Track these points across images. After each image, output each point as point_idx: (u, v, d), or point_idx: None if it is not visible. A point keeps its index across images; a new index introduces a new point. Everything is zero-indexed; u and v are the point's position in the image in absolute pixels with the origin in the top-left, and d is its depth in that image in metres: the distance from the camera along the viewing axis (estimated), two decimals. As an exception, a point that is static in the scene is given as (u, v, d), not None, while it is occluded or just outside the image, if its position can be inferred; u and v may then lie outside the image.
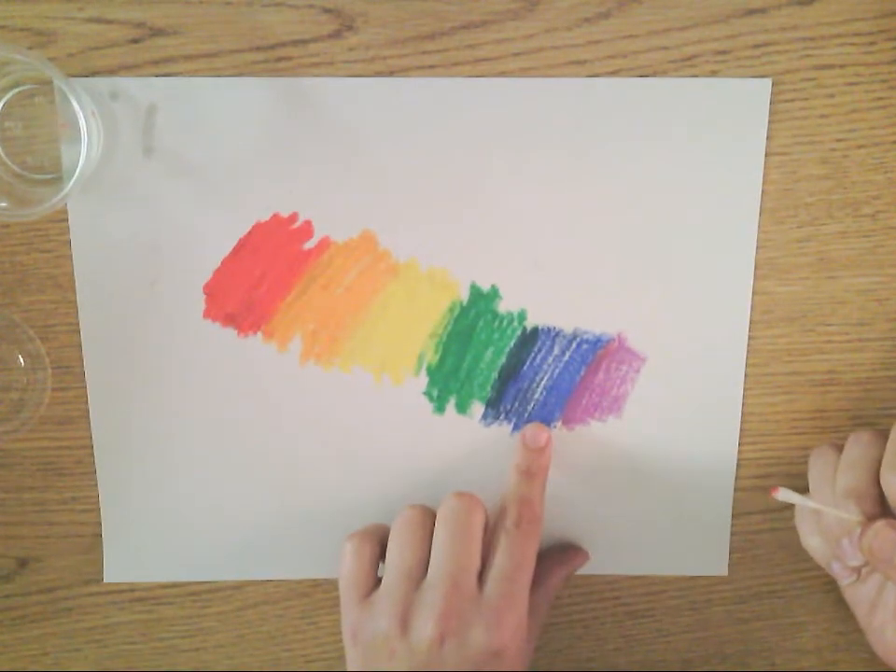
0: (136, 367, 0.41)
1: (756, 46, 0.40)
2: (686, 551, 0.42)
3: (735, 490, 0.43)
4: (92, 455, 0.43)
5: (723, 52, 0.40)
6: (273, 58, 0.40)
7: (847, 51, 0.40)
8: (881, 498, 0.35)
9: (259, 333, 0.40)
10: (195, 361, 0.41)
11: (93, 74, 0.39)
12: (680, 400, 0.41)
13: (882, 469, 0.35)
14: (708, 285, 0.41)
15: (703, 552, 0.42)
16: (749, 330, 0.41)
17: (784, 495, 0.36)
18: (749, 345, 0.41)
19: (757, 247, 0.41)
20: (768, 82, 0.39)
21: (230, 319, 0.40)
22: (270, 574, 0.43)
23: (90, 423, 0.42)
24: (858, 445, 0.36)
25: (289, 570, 0.43)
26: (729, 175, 0.40)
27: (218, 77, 0.39)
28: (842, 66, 0.40)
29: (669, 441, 0.41)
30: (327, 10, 0.40)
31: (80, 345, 0.41)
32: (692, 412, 0.41)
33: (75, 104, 0.36)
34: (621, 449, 0.41)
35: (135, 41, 0.40)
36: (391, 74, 0.40)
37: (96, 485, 0.43)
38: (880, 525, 0.33)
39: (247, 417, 0.41)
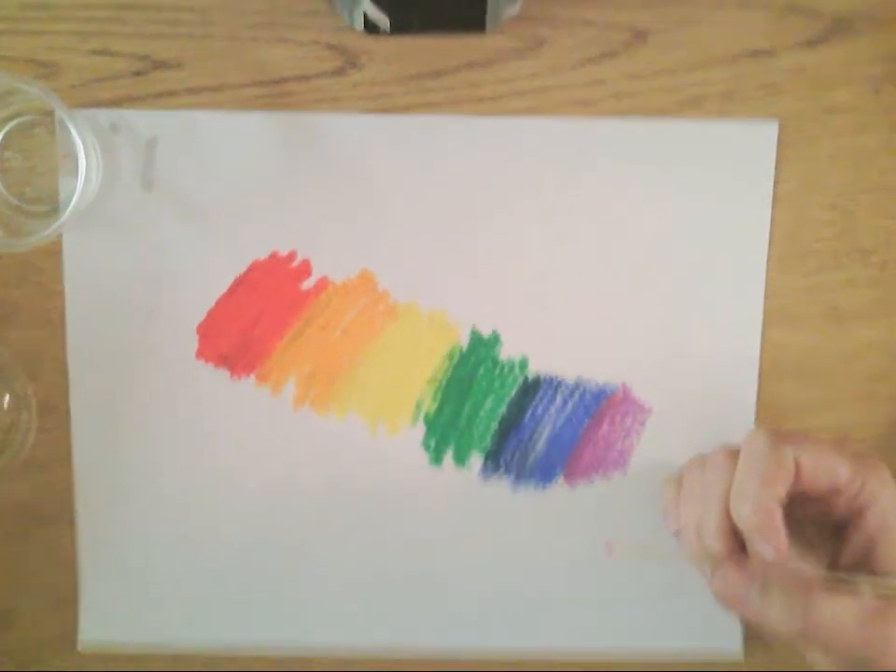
0: (124, 408, 0.39)
1: (762, 87, 0.39)
2: (697, 622, 0.39)
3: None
4: (73, 502, 0.40)
5: (730, 94, 0.39)
6: (277, 93, 0.39)
7: (854, 95, 0.39)
8: (732, 532, 0.31)
9: (253, 376, 0.38)
10: (185, 404, 0.38)
11: (96, 105, 0.39)
12: (688, 456, 0.37)
13: (730, 499, 0.31)
14: (716, 333, 0.38)
15: (714, 623, 0.38)
16: (759, 383, 0.39)
17: (619, 550, 0.32)
18: (760, 399, 0.39)
19: (766, 294, 0.39)
20: (775, 125, 0.37)
21: (223, 360, 0.38)
22: (256, 643, 0.39)
23: (72, 467, 0.40)
24: (699, 471, 0.33)
25: (276, 638, 0.39)
26: (736, 218, 0.38)
27: (221, 110, 0.38)
28: (849, 110, 0.39)
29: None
30: (331, 47, 0.39)
31: (67, 385, 0.39)
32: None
33: (75, 135, 0.35)
34: (627, 509, 0.38)
35: (138, 74, 0.39)
36: (395, 111, 0.39)
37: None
38: (728, 567, 0.30)
39: (238, 465, 0.39)
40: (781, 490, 0.30)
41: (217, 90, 0.39)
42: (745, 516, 0.30)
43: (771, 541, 0.30)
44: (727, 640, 0.39)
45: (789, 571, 0.30)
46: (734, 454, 0.32)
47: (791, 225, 0.39)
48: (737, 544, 0.31)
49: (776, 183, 0.38)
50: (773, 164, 0.37)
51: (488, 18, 0.39)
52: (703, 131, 0.38)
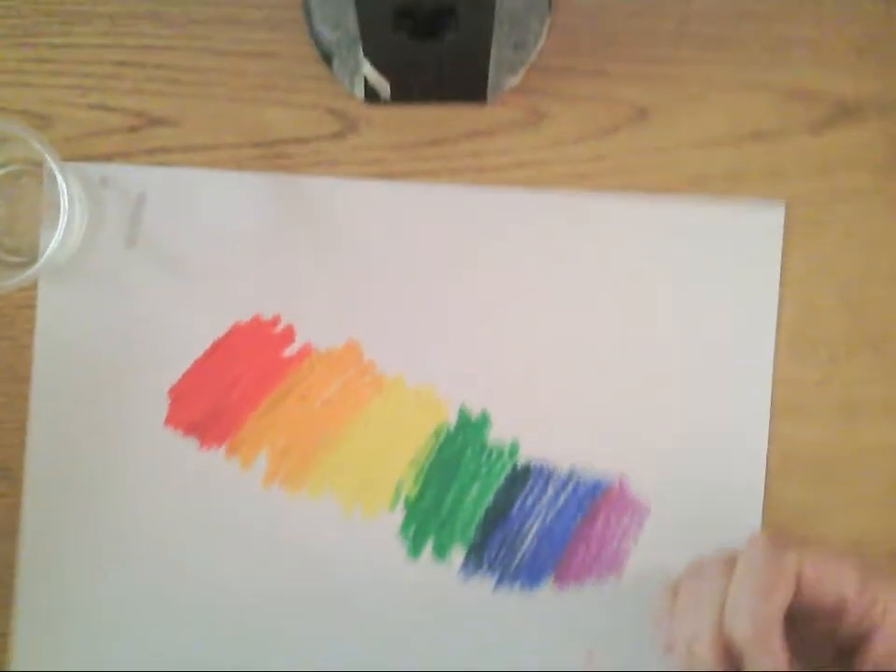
0: (82, 474, 0.36)
1: (768, 169, 0.38)
2: None
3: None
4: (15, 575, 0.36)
5: (734, 174, 0.38)
6: (273, 154, 0.38)
7: (861, 182, 0.37)
8: (727, 645, 0.28)
9: (223, 447, 0.35)
10: (149, 474, 0.36)
11: (87, 159, 0.38)
12: (689, 561, 0.34)
13: (725, 610, 0.28)
14: (721, 425, 0.36)
15: None
16: (768, 482, 0.36)
17: (599, 661, 0.29)
18: (769, 500, 0.36)
19: (773, 385, 0.36)
20: (782, 207, 0.36)
21: (192, 428, 0.35)
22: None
23: (18, 539, 0.37)
24: (696, 578, 0.30)
25: None
26: (742, 303, 0.36)
27: (212, 169, 0.37)
28: (857, 195, 0.37)
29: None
30: (331, 111, 0.39)
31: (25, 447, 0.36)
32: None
33: (61, 186, 0.34)
34: (621, 618, 0.35)
35: (134, 129, 0.38)
36: (393, 177, 0.38)
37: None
38: None
39: (199, 543, 0.36)
40: (781, 602, 0.27)
41: (213, 148, 0.38)
42: (740, 629, 0.27)
43: (768, 658, 0.27)
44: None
45: None
46: (731, 561, 0.29)
47: (800, 312, 0.37)
48: (733, 660, 0.28)
49: (783, 268, 0.37)
50: (780, 248, 0.36)
51: (490, 89, 0.38)
52: (707, 210, 0.36)
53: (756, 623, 0.27)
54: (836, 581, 0.28)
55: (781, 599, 0.27)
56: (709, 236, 0.36)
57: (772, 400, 0.36)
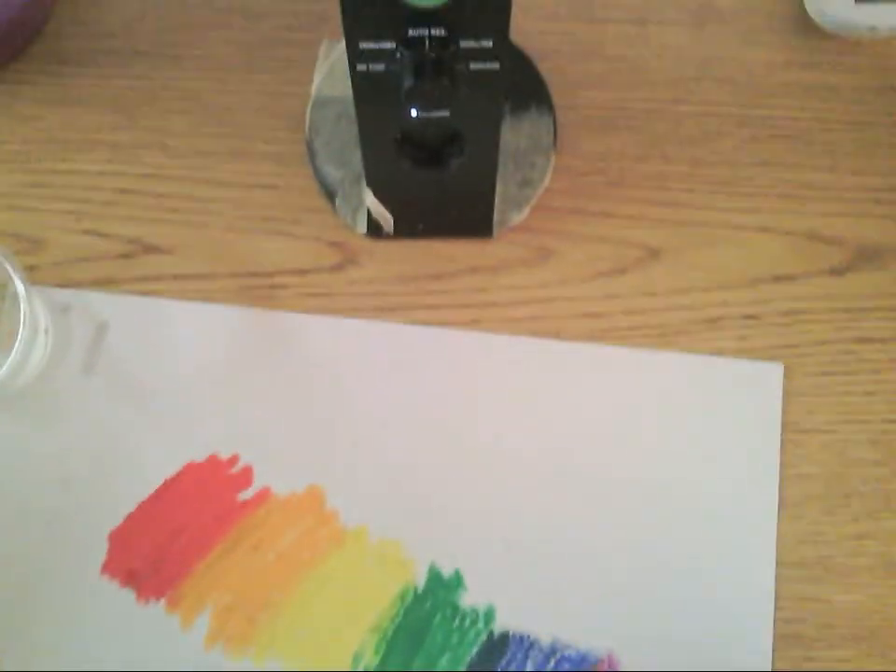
0: (12, 608, 0.37)
1: (787, 313, 0.40)
2: None
3: None
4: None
5: (752, 317, 0.40)
6: (269, 285, 0.42)
7: (887, 326, 0.40)
8: None
9: (163, 601, 0.35)
10: (80, 627, 0.37)
11: (74, 285, 0.42)
12: None
13: None
14: (721, 596, 0.36)
15: None
16: (808, 649, 0.36)
17: None
18: (809, 669, 0.36)
19: (806, 542, 0.37)
20: (780, 368, 0.39)
21: (130, 578, 0.36)
22: None
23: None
24: None
25: None
26: (743, 461, 0.38)
27: (181, 300, 0.41)
28: (883, 341, 0.40)
29: None
30: (332, 244, 0.43)
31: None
32: None
33: (22, 314, 0.38)
34: None
35: (126, 256, 0.42)
36: (392, 311, 0.41)
37: None
38: None
39: None
40: None
41: (206, 277, 0.42)
42: None
43: None
44: None
45: None
46: None
47: (833, 463, 0.38)
48: None
49: (811, 414, 0.39)
50: (780, 408, 0.38)
51: (495, 224, 0.40)
52: (704, 366, 0.39)
53: None
54: None
55: None
56: (708, 396, 0.39)
57: (806, 559, 0.37)
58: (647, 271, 0.41)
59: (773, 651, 0.35)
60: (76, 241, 0.43)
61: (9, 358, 0.38)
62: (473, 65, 0.31)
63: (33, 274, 0.41)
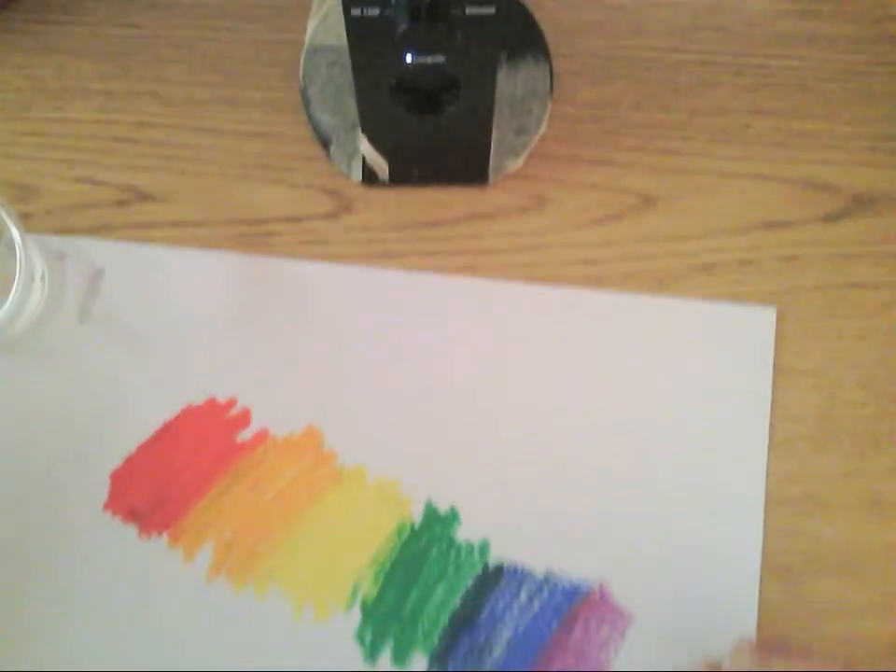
0: (18, 553, 0.42)
1: (781, 259, 0.45)
2: None
3: None
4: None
5: (746, 263, 0.45)
6: (264, 232, 0.46)
7: (879, 272, 0.45)
8: None
9: (165, 536, 0.40)
10: (86, 560, 0.41)
11: (69, 232, 0.46)
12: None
13: None
14: (711, 528, 0.41)
15: None
16: (795, 580, 0.41)
17: None
18: (795, 599, 0.40)
19: (795, 480, 0.42)
20: (773, 311, 0.43)
21: (133, 515, 0.40)
22: None
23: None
24: None
25: None
26: (734, 403, 0.42)
27: (176, 247, 0.45)
28: (875, 287, 0.44)
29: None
30: (326, 191, 0.47)
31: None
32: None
33: (18, 260, 0.42)
34: None
35: (120, 203, 0.47)
36: (387, 257, 0.45)
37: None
38: None
39: (137, 639, 0.40)
40: None
41: (201, 225, 0.46)
42: None
43: None
44: None
45: None
46: (717, 667, 0.34)
47: (823, 405, 0.43)
48: None
49: (805, 359, 0.43)
50: (772, 351, 0.43)
51: (491, 171, 0.43)
52: (698, 310, 0.43)
53: None
54: None
55: None
56: (701, 336, 0.43)
57: (796, 496, 0.41)
58: (642, 218, 0.46)
59: (759, 581, 0.39)
60: (69, 189, 0.47)
61: (6, 305, 0.43)
62: (469, 10, 0.35)
63: (27, 222, 0.46)
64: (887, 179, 0.46)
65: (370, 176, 0.47)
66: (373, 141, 0.45)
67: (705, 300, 0.44)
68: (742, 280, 0.45)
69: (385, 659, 0.40)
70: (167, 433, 0.43)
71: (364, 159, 0.46)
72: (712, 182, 0.47)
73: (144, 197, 0.47)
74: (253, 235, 0.46)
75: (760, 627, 0.39)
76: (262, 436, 0.43)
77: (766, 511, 0.41)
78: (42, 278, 0.45)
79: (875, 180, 0.46)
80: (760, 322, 0.44)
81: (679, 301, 0.44)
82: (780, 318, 0.44)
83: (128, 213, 0.47)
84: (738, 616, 0.39)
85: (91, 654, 0.40)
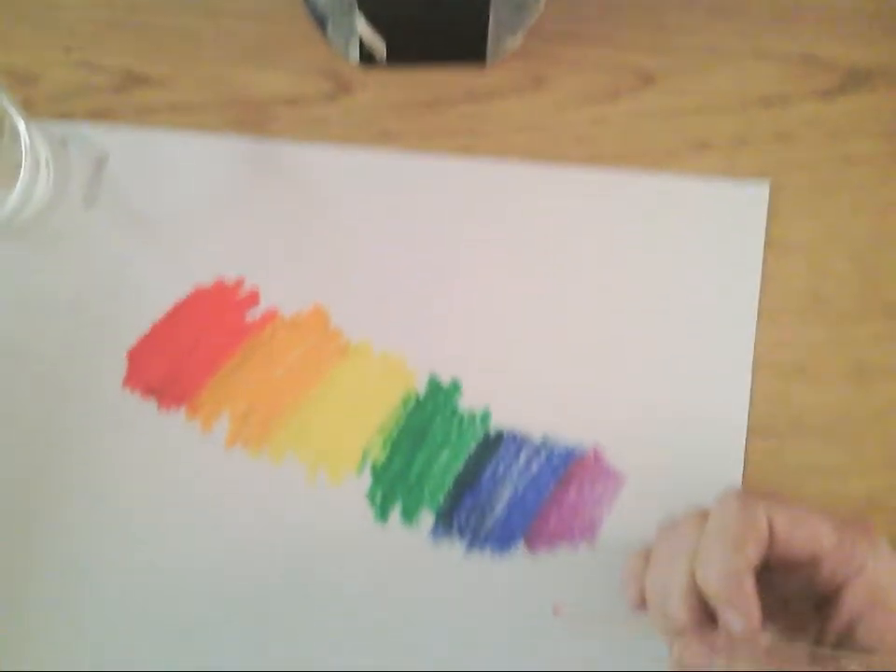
0: (40, 433, 0.47)
1: (776, 135, 0.49)
2: None
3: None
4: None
5: (741, 140, 0.49)
6: (263, 115, 0.50)
7: (874, 147, 0.49)
8: (699, 601, 0.36)
9: (183, 409, 0.45)
10: (106, 436, 0.47)
11: (70, 118, 0.49)
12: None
13: (696, 563, 0.36)
14: (701, 392, 0.46)
15: None
16: (779, 442, 0.46)
17: (570, 614, 0.37)
18: (779, 459, 0.46)
19: (783, 347, 0.47)
20: (766, 186, 0.48)
21: (151, 390, 0.45)
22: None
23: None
24: (668, 539, 0.38)
25: None
26: (724, 274, 0.47)
27: (179, 130, 0.49)
28: (870, 162, 0.49)
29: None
30: (324, 72, 0.50)
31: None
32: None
33: (24, 143, 0.46)
34: (594, 584, 0.44)
35: (120, 88, 0.50)
36: (387, 139, 0.49)
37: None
38: (689, 638, 0.35)
39: (160, 504, 0.46)
40: (752, 555, 0.36)
41: (200, 108, 0.50)
42: (710, 582, 0.35)
43: (739, 611, 0.35)
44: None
45: (759, 646, 0.35)
46: (704, 517, 0.38)
47: (812, 276, 0.48)
48: (706, 615, 0.36)
49: (796, 232, 0.48)
50: (764, 225, 0.47)
51: (489, 51, 0.47)
52: (692, 187, 0.48)
53: (726, 577, 0.35)
54: (810, 536, 0.36)
55: (752, 553, 0.35)
56: (694, 212, 0.48)
57: (783, 363, 0.47)
58: (640, 95, 0.50)
59: (745, 443, 0.45)
60: (68, 74, 0.50)
61: (15, 191, 0.47)
62: None
63: (27, 109, 0.49)
64: (884, 54, 0.50)
65: (367, 57, 0.50)
66: (371, 20, 0.48)
67: (700, 176, 0.48)
68: (737, 157, 0.49)
69: (396, 517, 0.46)
70: (179, 313, 0.48)
71: (361, 39, 0.50)
72: (710, 58, 0.50)
73: (142, 81, 0.50)
74: (252, 118, 0.49)
75: (744, 486, 0.46)
76: (271, 315, 0.48)
77: (754, 376, 0.47)
78: (47, 165, 0.49)
79: (873, 55, 0.50)
80: (753, 197, 0.48)
81: (675, 179, 0.48)
82: (773, 193, 0.48)
83: (127, 97, 0.50)
84: (725, 476, 0.46)
85: (116, 522, 0.46)
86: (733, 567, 0.35)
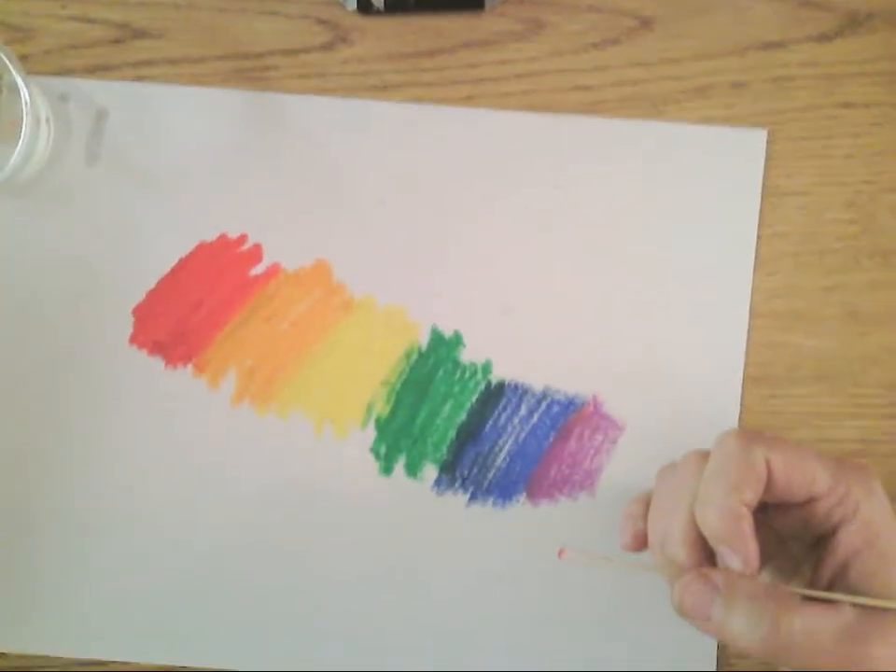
0: (46, 393, 0.47)
1: (774, 80, 0.48)
2: (669, 647, 0.46)
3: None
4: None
5: (739, 85, 0.48)
6: (261, 66, 0.49)
7: (871, 91, 0.48)
8: (700, 542, 0.36)
9: (190, 366, 0.45)
10: (115, 392, 0.47)
11: (68, 73, 0.49)
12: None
13: (695, 504, 0.36)
14: (697, 342, 0.46)
15: (687, 648, 0.45)
16: (775, 388, 0.47)
17: (572, 556, 0.38)
18: (774, 405, 0.47)
19: (778, 295, 0.47)
20: (764, 133, 0.47)
21: (158, 347, 0.45)
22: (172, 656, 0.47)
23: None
24: (668, 481, 0.39)
25: (196, 651, 0.47)
26: (721, 224, 0.47)
27: (178, 85, 0.48)
28: (867, 106, 0.48)
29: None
30: (322, 21, 0.49)
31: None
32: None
33: (25, 100, 0.45)
34: (594, 533, 0.44)
35: (116, 42, 0.49)
36: (385, 89, 0.48)
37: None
38: (690, 577, 0.35)
39: (170, 461, 0.47)
40: (750, 495, 0.35)
41: (198, 61, 0.49)
42: (710, 522, 0.35)
43: (738, 550, 0.35)
44: (700, 665, 0.46)
45: (758, 584, 0.35)
46: (704, 459, 0.37)
47: (808, 223, 0.48)
48: (705, 555, 0.36)
49: (789, 178, 0.47)
50: (761, 172, 0.47)
51: (487, -5, 0.46)
52: (690, 135, 0.47)
53: (725, 517, 0.35)
54: (807, 477, 0.36)
55: (750, 493, 0.35)
56: (692, 159, 0.47)
57: (780, 310, 0.47)
58: (638, 41, 0.49)
59: (742, 390, 0.45)
60: (64, 28, 0.49)
61: (17, 146, 0.46)
62: None
63: (25, 64, 0.48)
64: (884, -5, 0.49)
65: (365, 5, 0.49)
66: (367, -32, 0.47)
67: (698, 123, 0.48)
68: (735, 102, 0.48)
69: (400, 470, 0.47)
70: (183, 269, 0.48)
71: (358, -13, 0.49)
72: (708, 2, 0.49)
73: (139, 34, 0.49)
74: (250, 70, 0.49)
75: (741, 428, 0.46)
76: (274, 270, 0.48)
77: (750, 324, 0.47)
78: (47, 121, 0.48)
79: (872, -4, 0.49)
80: (751, 144, 0.47)
81: (673, 126, 0.48)
82: (771, 139, 0.48)
83: (124, 51, 0.49)
84: (722, 423, 0.46)
85: (123, 480, 0.47)
86: (731, 507, 0.35)
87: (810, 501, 0.37)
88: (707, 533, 0.36)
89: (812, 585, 0.37)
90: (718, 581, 0.35)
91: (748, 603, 0.34)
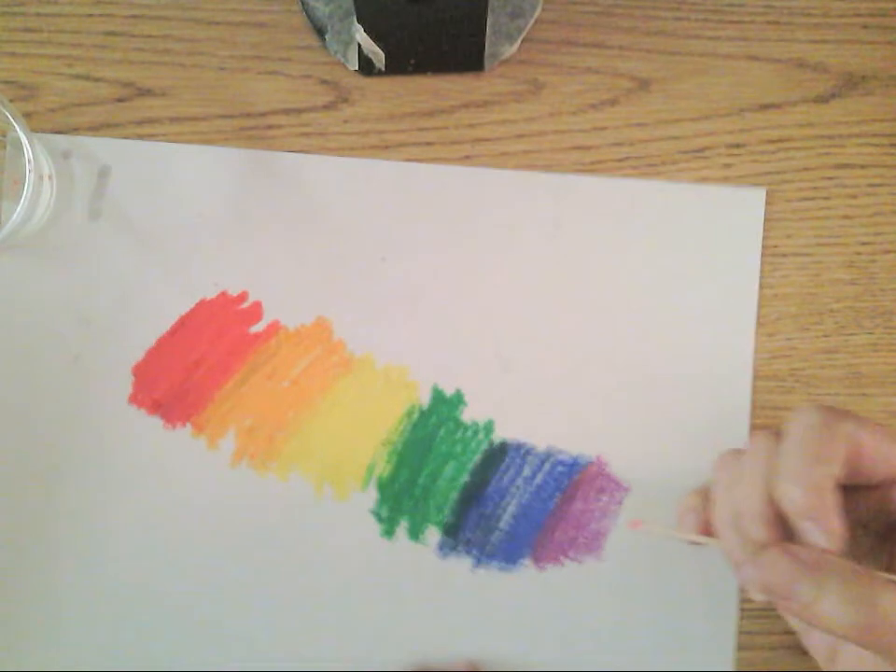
0: (44, 451, 0.45)
1: (771, 141, 0.46)
2: (688, 646, 0.43)
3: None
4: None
5: (737, 146, 0.47)
6: (263, 125, 0.47)
7: (867, 152, 0.46)
8: (777, 520, 0.32)
9: (189, 425, 0.43)
10: (113, 452, 0.45)
11: (72, 131, 0.47)
12: (672, 544, 0.40)
13: (775, 479, 0.32)
14: (701, 404, 0.44)
15: (706, 646, 0.43)
16: None
17: (648, 528, 0.36)
18: None
19: (780, 357, 0.45)
20: (763, 192, 0.45)
21: (157, 406, 0.42)
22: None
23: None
24: (733, 461, 0.35)
25: None
26: (724, 283, 0.45)
27: (180, 143, 0.46)
28: (863, 167, 0.46)
29: (659, 591, 0.42)
30: (324, 81, 0.48)
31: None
32: (687, 557, 0.42)
33: (28, 156, 0.43)
34: (601, 597, 0.42)
35: (121, 100, 0.48)
36: (386, 148, 0.47)
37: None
38: (772, 553, 0.31)
39: (168, 525, 0.44)
40: (837, 468, 0.32)
41: (201, 119, 0.47)
42: (795, 498, 0.32)
43: (826, 526, 0.31)
44: (718, 664, 0.43)
45: (846, 562, 0.31)
46: (777, 435, 0.34)
47: (808, 284, 0.46)
48: (782, 534, 0.32)
49: (791, 240, 0.46)
50: (761, 232, 0.45)
51: (486, 58, 0.44)
52: (689, 193, 0.45)
53: (812, 489, 0.31)
54: (890, 455, 0.32)
55: (836, 466, 0.32)
56: (692, 219, 0.45)
57: (781, 372, 0.45)
58: (636, 102, 0.47)
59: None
60: (69, 86, 0.48)
61: (20, 203, 0.44)
62: None
63: (29, 122, 0.46)
64: (877, 58, 0.47)
65: (366, 65, 0.47)
66: (369, 29, 0.46)
67: (696, 183, 0.46)
68: (732, 163, 0.46)
69: (402, 533, 0.44)
70: (184, 326, 0.46)
71: (360, 47, 0.47)
72: (705, 64, 0.47)
73: (143, 93, 0.48)
74: (252, 128, 0.47)
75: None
76: (274, 327, 0.45)
77: (752, 387, 0.45)
78: (50, 177, 0.47)
79: (866, 59, 0.47)
80: (750, 204, 0.46)
81: (672, 185, 0.46)
82: (769, 200, 0.46)
83: (128, 109, 0.47)
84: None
85: (123, 539, 0.44)
86: (816, 480, 0.32)
87: (891, 484, 0.34)
88: (788, 508, 0.32)
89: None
90: (805, 557, 0.31)
91: (841, 581, 0.30)
